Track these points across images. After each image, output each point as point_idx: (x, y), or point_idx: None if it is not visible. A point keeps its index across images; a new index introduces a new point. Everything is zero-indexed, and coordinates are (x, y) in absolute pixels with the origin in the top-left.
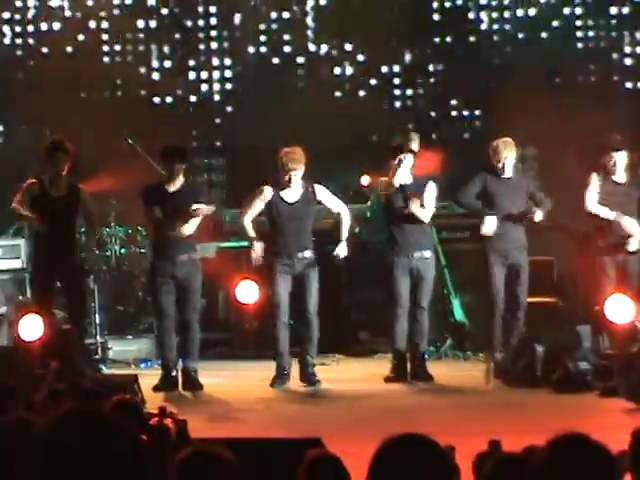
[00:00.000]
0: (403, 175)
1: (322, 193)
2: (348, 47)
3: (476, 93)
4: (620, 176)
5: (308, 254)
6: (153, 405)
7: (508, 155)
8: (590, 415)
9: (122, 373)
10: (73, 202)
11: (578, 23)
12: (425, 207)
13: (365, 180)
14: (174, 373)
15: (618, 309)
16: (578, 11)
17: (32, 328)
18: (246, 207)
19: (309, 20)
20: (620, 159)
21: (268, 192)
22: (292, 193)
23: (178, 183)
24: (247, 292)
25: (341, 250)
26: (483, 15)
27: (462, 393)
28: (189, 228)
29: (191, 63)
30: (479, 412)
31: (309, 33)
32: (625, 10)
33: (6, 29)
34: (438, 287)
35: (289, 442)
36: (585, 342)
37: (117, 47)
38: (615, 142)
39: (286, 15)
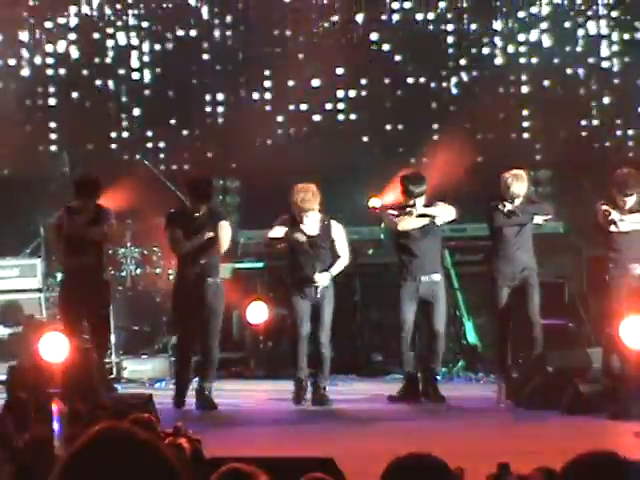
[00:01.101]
0: (411, 222)
1: (337, 231)
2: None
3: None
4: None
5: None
6: (167, 424)
7: (519, 192)
8: (601, 437)
9: (136, 392)
10: (99, 224)
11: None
12: None
13: (376, 202)
14: (188, 390)
15: (633, 332)
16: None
17: (53, 347)
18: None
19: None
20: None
21: (287, 223)
22: (310, 226)
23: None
24: (256, 312)
25: (322, 278)
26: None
27: (473, 414)
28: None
29: None
30: (490, 433)
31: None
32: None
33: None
34: (450, 309)
35: (302, 461)
36: (596, 364)
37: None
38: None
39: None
